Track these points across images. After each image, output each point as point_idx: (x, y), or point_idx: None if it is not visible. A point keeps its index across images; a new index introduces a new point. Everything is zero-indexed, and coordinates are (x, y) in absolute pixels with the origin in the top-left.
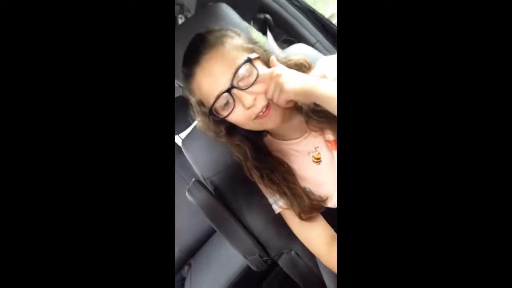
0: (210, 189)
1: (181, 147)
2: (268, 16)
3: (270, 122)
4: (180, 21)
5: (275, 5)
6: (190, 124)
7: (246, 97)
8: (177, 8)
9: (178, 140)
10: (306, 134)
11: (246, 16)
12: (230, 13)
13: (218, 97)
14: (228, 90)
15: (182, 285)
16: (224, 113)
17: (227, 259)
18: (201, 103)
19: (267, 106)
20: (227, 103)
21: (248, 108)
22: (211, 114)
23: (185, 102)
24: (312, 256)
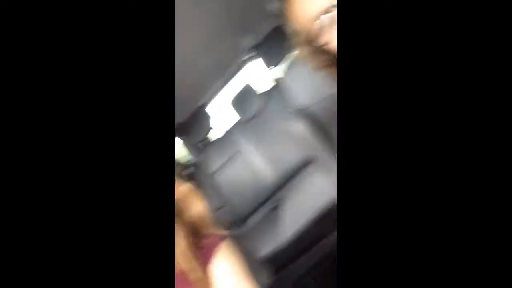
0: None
1: (276, 80)
2: None
3: None
4: None
5: None
6: (283, 58)
7: None
8: None
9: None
10: None
11: None
12: None
13: (314, 20)
14: (326, 12)
15: None
16: (322, 39)
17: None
18: (298, 32)
19: None
20: (323, 28)
21: None
22: (309, 42)
23: (280, 33)
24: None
